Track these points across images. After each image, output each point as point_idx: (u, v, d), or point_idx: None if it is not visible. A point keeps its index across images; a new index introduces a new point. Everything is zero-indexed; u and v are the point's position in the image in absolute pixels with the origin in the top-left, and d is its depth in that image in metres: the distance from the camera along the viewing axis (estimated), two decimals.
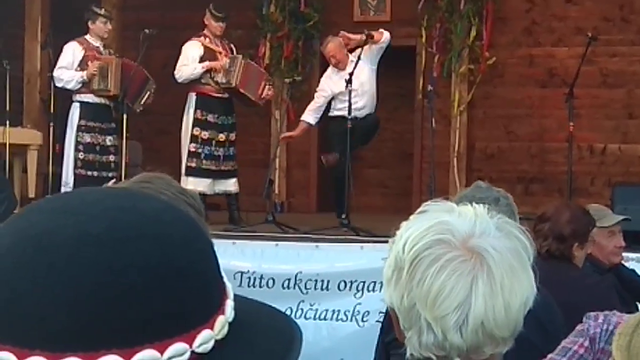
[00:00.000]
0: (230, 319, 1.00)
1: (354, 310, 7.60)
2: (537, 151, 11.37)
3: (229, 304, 1.02)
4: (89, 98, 9.37)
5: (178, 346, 0.94)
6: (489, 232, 1.54)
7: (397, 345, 1.63)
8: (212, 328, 0.97)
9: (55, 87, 9.62)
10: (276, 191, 11.41)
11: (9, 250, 0.94)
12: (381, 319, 7.06)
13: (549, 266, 3.88)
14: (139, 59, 9.43)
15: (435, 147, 9.47)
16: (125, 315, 0.91)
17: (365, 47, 9.07)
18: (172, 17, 11.53)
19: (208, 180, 9.33)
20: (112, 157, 9.48)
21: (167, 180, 2.39)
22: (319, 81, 11.68)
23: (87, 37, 9.48)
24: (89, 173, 9.32)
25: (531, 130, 11.35)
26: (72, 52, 9.35)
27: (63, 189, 9.36)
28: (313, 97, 11.22)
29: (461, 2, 11.19)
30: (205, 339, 0.96)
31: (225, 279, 1.04)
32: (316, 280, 7.70)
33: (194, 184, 9.11)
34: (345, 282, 7.65)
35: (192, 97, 9.38)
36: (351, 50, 9.28)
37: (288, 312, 7.69)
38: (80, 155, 9.33)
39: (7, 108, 9.87)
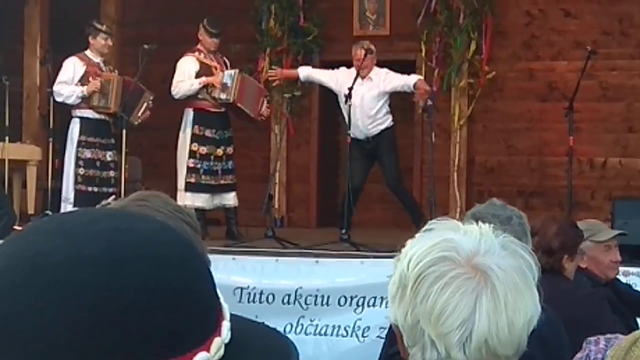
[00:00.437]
0: (226, 340, 1.00)
1: (354, 325, 7.58)
2: (537, 165, 11.37)
3: (225, 325, 1.01)
4: (89, 113, 9.37)
5: None
6: (493, 250, 1.53)
7: (400, 359, 1.62)
8: (208, 350, 0.97)
9: (54, 102, 9.62)
10: (276, 206, 11.40)
11: (5, 271, 0.94)
12: (382, 335, 7.05)
13: (540, 280, 3.87)
14: (138, 74, 9.43)
15: (435, 161, 9.47)
16: (121, 336, 0.90)
17: (390, 74, 9.21)
18: (171, 32, 11.54)
19: (206, 195, 9.33)
20: (112, 173, 9.47)
21: (164, 199, 2.39)
22: (318, 96, 11.75)
23: (88, 52, 9.48)
24: (89, 189, 9.31)
25: (531, 144, 11.35)
26: (72, 67, 9.35)
27: (63, 205, 9.36)
28: (312, 112, 11.24)
29: (460, 17, 11.21)
30: None
31: (221, 300, 1.04)
32: (316, 296, 7.68)
33: (192, 200, 9.11)
34: (345, 298, 7.63)
35: (190, 113, 9.38)
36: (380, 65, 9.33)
37: (288, 328, 7.74)
38: (81, 171, 9.32)
39: (7, 123, 9.88)
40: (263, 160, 11.82)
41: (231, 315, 1.03)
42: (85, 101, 9.32)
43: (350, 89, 8.71)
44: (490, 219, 3.28)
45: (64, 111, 9.63)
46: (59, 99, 9.42)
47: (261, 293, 7.79)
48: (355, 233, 8.76)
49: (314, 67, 11.71)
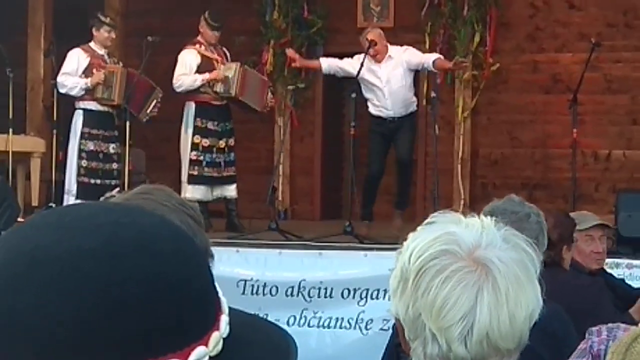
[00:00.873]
0: (225, 335, 1.00)
1: (357, 318, 7.59)
2: (541, 157, 11.35)
3: (224, 320, 1.01)
4: (92, 105, 9.37)
5: None
6: (495, 243, 1.53)
7: None
8: (206, 344, 0.97)
9: (58, 94, 9.62)
10: (280, 198, 11.40)
11: (4, 265, 0.94)
12: (385, 327, 7.05)
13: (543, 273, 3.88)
14: (142, 67, 9.43)
15: (439, 154, 9.45)
16: (120, 330, 0.90)
17: (409, 51, 9.21)
18: (175, 24, 11.52)
19: (205, 187, 9.34)
20: (115, 165, 9.48)
21: (168, 192, 2.39)
22: (322, 88, 11.75)
23: (92, 44, 9.48)
24: (92, 181, 9.32)
25: (535, 137, 11.33)
26: (76, 58, 9.35)
27: (66, 197, 9.36)
28: (316, 104, 11.22)
29: (465, 8, 11.19)
30: (199, 356, 0.96)
31: (220, 294, 1.04)
32: (320, 288, 7.69)
33: (192, 192, 9.11)
34: (349, 290, 7.64)
35: (191, 106, 9.40)
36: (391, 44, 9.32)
37: (292, 320, 7.75)
38: (84, 163, 9.32)
39: (10, 116, 9.87)
40: (267, 152, 11.81)
41: (230, 309, 1.03)
42: (89, 93, 9.32)
43: (362, 65, 8.80)
44: (509, 216, 3.30)
45: (68, 103, 9.63)
46: (62, 90, 9.42)
47: (264, 285, 7.80)
48: (357, 225, 8.76)
49: (317, 58, 11.74)
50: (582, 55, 10.02)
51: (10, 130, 9.78)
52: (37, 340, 0.89)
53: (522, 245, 1.55)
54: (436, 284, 1.49)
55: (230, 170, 9.53)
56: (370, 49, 9.01)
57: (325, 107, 11.90)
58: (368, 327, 7.56)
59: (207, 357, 0.96)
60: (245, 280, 7.78)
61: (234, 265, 7.71)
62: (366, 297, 7.57)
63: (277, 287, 7.78)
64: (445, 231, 1.55)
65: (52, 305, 0.90)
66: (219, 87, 9.30)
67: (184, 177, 9.36)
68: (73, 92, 9.33)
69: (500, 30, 11.35)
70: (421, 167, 11.60)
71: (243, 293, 7.67)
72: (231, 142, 9.53)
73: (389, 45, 9.25)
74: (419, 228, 1.59)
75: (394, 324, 4.33)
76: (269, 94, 9.70)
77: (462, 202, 11.06)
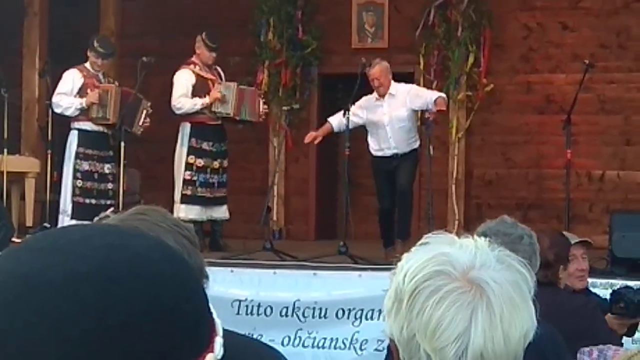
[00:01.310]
0: (219, 356, 1.00)
1: (352, 338, 7.58)
2: (535, 178, 11.37)
3: (218, 341, 1.01)
4: (87, 126, 9.37)
5: None
6: (489, 264, 1.53)
7: None
8: None
9: (53, 114, 9.62)
10: (274, 218, 11.39)
11: None
12: (380, 347, 7.05)
13: (538, 294, 3.88)
14: (137, 87, 9.44)
15: (433, 174, 9.46)
16: (112, 354, 0.90)
17: (413, 91, 9.17)
18: (170, 45, 11.55)
19: (199, 207, 9.34)
20: (110, 185, 9.48)
21: (163, 213, 2.39)
22: (317, 109, 11.77)
23: (87, 65, 9.48)
24: (87, 201, 9.32)
25: (529, 157, 11.35)
26: (71, 79, 9.36)
27: (61, 217, 9.36)
28: (311, 124, 11.23)
29: (459, 29, 11.23)
30: None
31: (214, 316, 1.04)
32: (314, 308, 7.68)
33: (186, 212, 9.11)
34: (343, 310, 7.63)
35: (187, 126, 9.41)
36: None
37: (286, 340, 7.73)
38: (79, 183, 9.32)
39: (5, 136, 9.88)
40: (262, 173, 11.81)
41: (224, 330, 1.03)
42: (84, 113, 9.32)
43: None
44: (502, 237, 3.30)
45: (63, 123, 9.64)
46: (57, 111, 9.42)
47: (259, 305, 7.79)
48: (352, 245, 8.76)
49: (312, 80, 11.80)
50: (576, 76, 10.05)
51: (5, 150, 9.78)
52: None
53: (516, 266, 1.55)
54: (430, 304, 1.48)
55: (222, 191, 9.54)
56: (376, 81, 9.01)
57: (319, 128, 11.91)
58: (363, 347, 7.55)
59: None
60: (240, 301, 7.77)
61: (229, 286, 7.70)
62: (361, 317, 7.55)
63: (271, 307, 7.76)
64: (439, 252, 1.54)
65: (43, 330, 0.89)
66: (216, 107, 9.33)
67: (177, 196, 9.36)
68: (68, 112, 9.34)
69: (494, 51, 11.39)
70: (416, 188, 11.58)
71: (237, 313, 7.66)
72: (225, 163, 9.55)
73: (392, 82, 9.14)
74: (412, 249, 1.60)
75: (389, 345, 4.32)
76: (260, 102, 9.71)
77: (456, 222, 11.06)
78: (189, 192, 9.31)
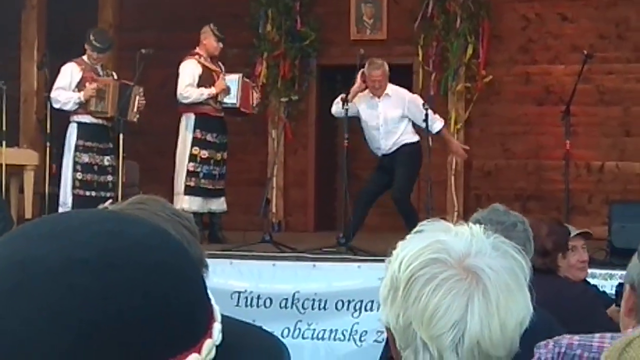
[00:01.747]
0: (217, 342, 1.00)
1: (351, 329, 7.59)
2: (534, 169, 11.37)
3: (217, 327, 1.01)
4: (87, 118, 9.36)
5: None
6: (485, 251, 1.53)
7: None
8: (199, 352, 0.97)
9: (51, 107, 9.60)
10: (273, 210, 11.40)
11: None
12: (379, 339, 7.05)
13: (536, 281, 3.89)
14: (135, 79, 9.42)
15: (433, 165, 9.46)
16: (111, 341, 0.90)
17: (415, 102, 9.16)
18: (168, 38, 11.55)
19: (201, 199, 9.34)
20: (109, 177, 9.47)
21: (162, 202, 2.40)
22: (315, 100, 11.77)
23: (85, 58, 9.47)
24: (87, 193, 9.31)
25: (528, 148, 11.36)
26: (70, 72, 9.34)
27: (61, 209, 9.34)
28: (310, 116, 11.22)
29: (457, 21, 11.22)
30: None
31: (212, 302, 1.04)
32: (314, 300, 7.68)
33: (190, 203, 9.12)
34: (342, 302, 7.63)
35: (191, 117, 9.37)
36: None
37: (286, 332, 7.72)
38: (79, 176, 9.32)
39: (4, 128, 9.87)
40: (260, 164, 11.81)
41: (222, 316, 1.03)
42: (83, 106, 9.31)
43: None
44: (495, 225, 3.30)
45: (61, 116, 9.62)
46: (56, 105, 9.41)
47: (258, 297, 7.79)
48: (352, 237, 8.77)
49: (310, 71, 11.80)
50: (575, 67, 10.04)
51: (4, 142, 9.77)
52: (25, 352, 0.88)
53: (511, 253, 1.55)
54: (426, 292, 1.49)
55: (221, 183, 9.54)
56: (377, 83, 9.01)
57: (318, 120, 11.91)
58: (362, 338, 7.55)
59: None
60: (239, 292, 7.77)
61: (228, 277, 7.70)
62: (360, 308, 7.56)
63: (271, 299, 7.77)
64: (434, 240, 1.55)
65: (41, 317, 0.89)
66: (221, 97, 9.33)
67: (180, 187, 9.33)
68: (67, 107, 9.33)
69: (493, 42, 11.38)
70: None
71: (237, 305, 7.66)
72: (225, 155, 9.55)
73: (389, 84, 9.14)
74: (407, 237, 1.60)
75: (387, 336, 4.33)
76: (253, 93, 9.69)
77: (455, 213, 11.07)
78: (192, 184, 9.30)
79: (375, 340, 7.25)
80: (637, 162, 10.98)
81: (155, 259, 0.96)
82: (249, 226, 9.79)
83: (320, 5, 11.88)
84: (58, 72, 9.44)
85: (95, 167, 9.38)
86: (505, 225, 3.41)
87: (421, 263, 1.52)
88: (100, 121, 9.40)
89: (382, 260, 1.65)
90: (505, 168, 11.47)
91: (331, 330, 7.64)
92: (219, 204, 9.51)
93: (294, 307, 7.71)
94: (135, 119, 9.51)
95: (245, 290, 7.79)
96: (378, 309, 7.20)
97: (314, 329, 7.68)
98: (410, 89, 10.27)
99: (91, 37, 9.40)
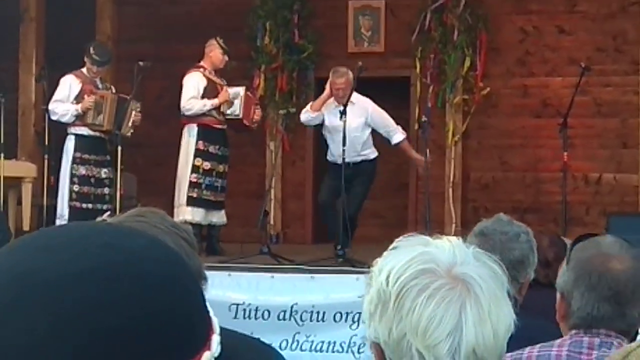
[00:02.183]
0: (216, 354, 1.00)
1: (350, 341, 7.58)
2: (531, 181, 11.38)
3: (215, 339, 1.01)
4: (84, 130, 9.36)
5: None
6: (468, 261, 1.56)
7: None
8: None
9: (49, 119, 9.61)
10: (271, 222, 11.39)
11: None
12: None
13: (538, 294, 3.88)
14: (133, 92, 9.42)
15: (430, 178, 9.48)
16: (109, 354, 0.90)
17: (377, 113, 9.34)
18: (166, 50, 11.56)
19: (203, 211, 9.33)
20: (107, 190, 9.46)
21: (161, 215, 2.40)
22: None
23: (84, 70, 9.48)
24: (84, 205, 9.30)
25: (526, 160, 11.37)
26: (68, 85, 9.34)
27: (58, 222, 9.34)
28: (307, 129, 11.23)
29: (455, 33, 11.24)
30: None
31: (211, 313, 1.04)
32: (312, 312, 7.68)
33: (192, 214, 9.11)
34: (341, 314, 7.63)
35: (194, 128, 9.35)
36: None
37: (284, 344, 7.71)
38: (75, 188, 9.31)
39: (2, 140, 9.87)
40: (258, 176, 11.82)
41: (221, 328, 1.03)
42: (80, 119, 9.31)
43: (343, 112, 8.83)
44: (499, 236, 3.29)
45: (59, 128, 9.63)
46: (54, 118, 9.41)
47: (257, 309, 7.78)
48: (350, 249, 8.76)
49: (308, 84, 11.82)
50: (572, 79, 10.07)
51: (2, 155, 9.77)
52: None
53: (489, 263, 1.57)
54: (420, 302, 1.49)
55: (222, 195, 9.53)
56: (341, 92, 9.15)
57: (316, 132, 11.89)
58: (360, 350, 7.55)
59: None
60: (237, 305, 7.76)
61: (226, 289, 7.70)
62: (358, 320, 7.55)
63: (269, 311, 7.76)
64: (420, 251, 1.56)
65: (39, 331, 0.88)
66: (225, 109, 9.33)
67: (183, 199, 9.29)
68: (64, 119, 9.33)
69: (491, 55, 11.40)
70: (412, 191, 11.63)
71: (235, 317, 7.66)
72: (227, 167, 9.55)
73: (355, 93, 9.19)
74: (384, 253, 1.61)
75: None
76: (254, 110, 9.70)
77: (453, 225, 11.08)
78: (195, 195, 9.27)
79: None
80: (635, 174, 10.99)
81: (154, 271, 0.96)
82: (247, 238, 9.78)
83: (318, 18, 11.91)
84: (56, 84, 9.45)
85: (92, 180, 9.37)
86: (509, 236, 3.41)
87: (411, 274, 1.52)
88: (97, 134, 9.40)
89: None
90: (503, 180, 11.48)
91: (329, 342, 7.63)
92: (219, 217, 9.51)
93: (292, 319, 7.71)
94: (128, 134, 9.50)
95: (244, 302, 7.78)
96: None
97: (312, 341, 7.67)
98: (408, 102, 10.33)
99: (91, 51, 9.41)
